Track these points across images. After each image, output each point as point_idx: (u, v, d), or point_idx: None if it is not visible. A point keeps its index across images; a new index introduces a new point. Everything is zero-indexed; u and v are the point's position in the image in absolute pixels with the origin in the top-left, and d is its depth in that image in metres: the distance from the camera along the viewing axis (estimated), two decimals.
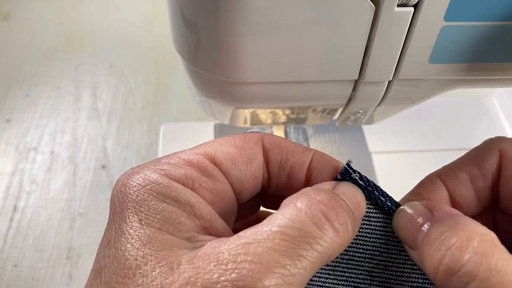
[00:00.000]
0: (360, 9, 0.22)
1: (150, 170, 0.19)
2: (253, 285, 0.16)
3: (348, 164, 0.22)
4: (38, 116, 0.60)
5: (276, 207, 0.25)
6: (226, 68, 0.24)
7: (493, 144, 0.22)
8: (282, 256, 0.16)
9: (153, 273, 0.16)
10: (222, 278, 0.16)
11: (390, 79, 0.26)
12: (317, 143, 0.47)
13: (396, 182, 0.41)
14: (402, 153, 0.46)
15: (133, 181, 0.19)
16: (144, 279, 0.16)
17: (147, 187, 0.19)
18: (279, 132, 0.46)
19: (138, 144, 0.57)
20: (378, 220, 0.22)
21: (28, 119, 0.59)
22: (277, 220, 0.17)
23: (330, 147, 0.47)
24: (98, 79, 0.64)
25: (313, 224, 0.17)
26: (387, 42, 0.23)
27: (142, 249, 0.17)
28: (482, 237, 0.17)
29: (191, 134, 0.52)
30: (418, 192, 0.22)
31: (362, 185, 0.21)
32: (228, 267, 0.16)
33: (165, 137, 0.51)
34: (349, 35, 0.23)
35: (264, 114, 0.34)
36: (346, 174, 0.21)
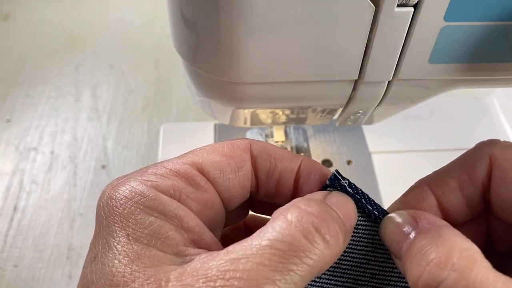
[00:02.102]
0: (360, 9, 0.22)
1: (136, 182, 0.19)
2: None
3: (337, 171, 0.22)
4: (38, 116, 0.60)
5: (264, 212, 0.25)
6: (226, 68, 0.24)
7: (484, 149, 0.21)
8: (271, 272, 0.16)
9: None
10: None
11: (390, 79, 0.26)
12: (317, 143, 0.47)
13: (395, 182, 0.41)
14: (401, 153, 0.46)
15: (119, 193, 0.19)
16: None
17: (133, 199, 0.18)
18: (279, 132, 0.46)
19: (138, 144, 0.57)
20: (366, 228, 0.22)
21: (28, 119, 0.59)
22: (267, 234, 0.17)
23: (330, 147, 0.47)
24: (98, 79, 0.65)
25: (303, 237, 0.17)
26: (387, 42, 0.23)
27: (130, 266, 0.17)
28: (462, 252, 0.17)
29: (191, 134, 0.52)
30: (406, 201, 0.22)
31: (350, 192, 0.21)
32: (217, 284, 0.16)
33: (165, 137, 0.51)
34: (349, 35, 0.23)
35: (264, 114, 0.34)
36: (335, 180, 0.21)
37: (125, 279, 0.17)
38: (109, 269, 0.17)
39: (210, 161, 0.21)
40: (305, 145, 0.47)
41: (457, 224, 0.20)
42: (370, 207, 0.21)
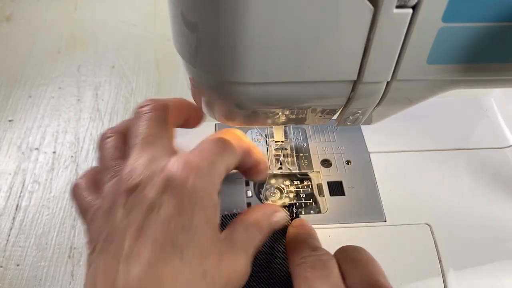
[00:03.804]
0: (359, 10, 0.22)
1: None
2: None
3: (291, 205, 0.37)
4: (40, 116, 0.60)
5: None
6: (226, 68, 0.25)
7: (334, 255, 0.31)
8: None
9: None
10: None
11: (389, 79, 0.26)
12: (317, 143, 0.48)
13: (394, 182, 0.42)
14: (400, 153, 0.46)
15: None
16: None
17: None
18: (278, 132, 0.46)
19: None
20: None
21: (30, 119, 0.59)
22: None
23: (329, 147, 0.47)
24: (100, 80, 0.65)
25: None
26: (385, 43, 0.24)
27: None
28: None
29: (192, 134, 0.52)
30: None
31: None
32: None
33: None
34: (348, 36, 0.23)
35: (264, 114, 0.34)
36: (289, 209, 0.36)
37: None
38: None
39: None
40: (305, 145, 0.47)
41: None
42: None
